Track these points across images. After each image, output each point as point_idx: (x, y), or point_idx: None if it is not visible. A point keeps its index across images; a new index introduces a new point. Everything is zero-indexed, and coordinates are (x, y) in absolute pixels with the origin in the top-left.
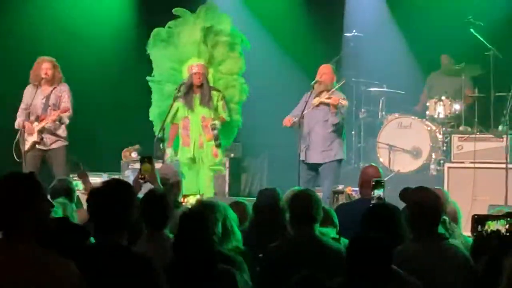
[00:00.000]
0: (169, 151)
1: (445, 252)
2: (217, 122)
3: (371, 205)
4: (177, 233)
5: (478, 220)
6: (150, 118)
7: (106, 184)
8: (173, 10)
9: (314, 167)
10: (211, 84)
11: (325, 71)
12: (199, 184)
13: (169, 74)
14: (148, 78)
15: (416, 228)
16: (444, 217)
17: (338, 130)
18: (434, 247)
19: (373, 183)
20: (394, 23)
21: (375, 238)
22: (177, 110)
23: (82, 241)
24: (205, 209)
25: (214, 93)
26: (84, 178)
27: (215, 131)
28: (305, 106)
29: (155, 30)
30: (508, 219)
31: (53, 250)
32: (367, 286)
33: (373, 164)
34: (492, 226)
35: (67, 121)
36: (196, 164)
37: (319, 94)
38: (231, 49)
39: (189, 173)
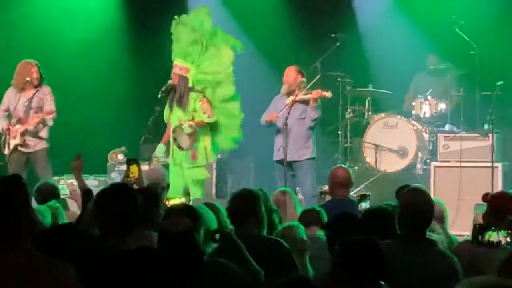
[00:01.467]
0: (159, 146)
1: (429, 257)
2: (184, 125)
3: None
4: (161, 229)
5: (479, 230)
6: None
7: (113, 189)
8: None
9: (290, 165)
10: (191, 85)
11: (286, 73)
12: (188, 187)
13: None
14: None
15: (403, 228)
16: None
17: (315, 127)
18: (419, 250)
19: (359, 197)
20: (380, 23)
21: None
22: (165, 111)
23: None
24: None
25: (192, 94)
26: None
27: (174, 134)
28: (276, 107)
29: None
30: (509, 231)
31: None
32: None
33: (342, 165)
34: (493, 236)
35: (51, 123)
36: (179, 167)
37: (291, 94)
38: (209, 49)
39: (175, 176)
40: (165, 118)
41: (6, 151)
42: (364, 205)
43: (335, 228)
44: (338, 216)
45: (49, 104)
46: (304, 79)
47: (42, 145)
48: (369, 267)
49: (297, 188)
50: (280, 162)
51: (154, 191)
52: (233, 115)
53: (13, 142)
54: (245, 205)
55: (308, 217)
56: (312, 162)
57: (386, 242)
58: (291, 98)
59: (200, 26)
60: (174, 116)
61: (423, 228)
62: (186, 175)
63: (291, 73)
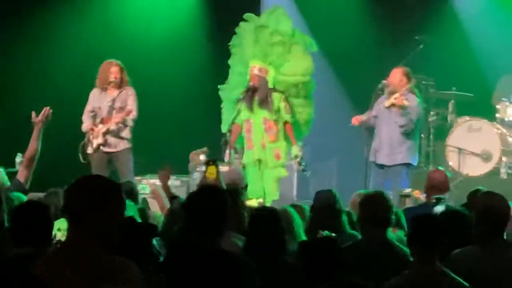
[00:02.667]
0: (228, 153)
1: (508, 260)
2: (298, 154)
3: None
4: (248, 232)
5: None
6: (223, 128)
7: (203, 190)
8: (244, 16)
9: (383, 168)
10: (272, 86)
11: (392, 73)
12: (264, 186)
13: (237, 79)
14: (219, 86)
15: (480, 232)
16: None
17: (407, 132)
18: (496, 253)
19: (434, 200)
20: (463, 24)
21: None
22: (239, 112)
23: (148, 238)
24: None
25: (275, 94)
26: (165, 178)
27: (301, 166)
28: (376, 107)
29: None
30: None
31: (114, 252)
32: None
33: (440, 168)
34: None
35: (131, 123)
36: (260, 166)
37: (391, 95)
38: (291, 50)
39: (254, 176)
40: (238, 119)
41: (90, 151)
42: (440, 209)
43: (414, 230)
44: (417, 217)
45: (131, 105)
46: (403, 81)
47: (124, 145)
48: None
49: (388, 192)
50: (375, 164)
51: (233, 193)
52: (304, 111)
53: (95, 142)
54: (382, 209)
55: None
56: (400, 168)
57: (464, 248)
58: (388, 100)
59: (279, 27)
60: (257, 117)
61: (500, 232)
62: (269, 174)
63: (396, 75)
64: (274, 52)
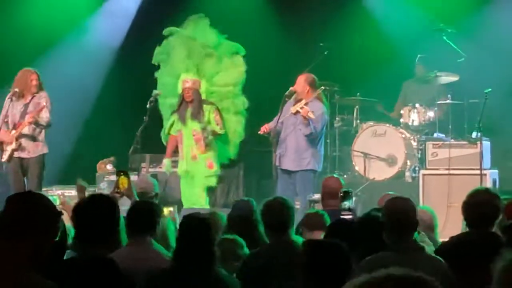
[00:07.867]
0: (165, 162)
1: (419, 262)
2: (208, 128)
3: (341, 216)
4: (179, 236)
5: None
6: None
7: (92, 198)
8: (163, 32)
9: (289, 174)
10: (204, 98)
11: (297, 81)
12: (193, 196)
13: (169, 89)
14: (154, 91)
15: (390, 236)
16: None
17: (312, 140)
18: (408, 256)
19: (341, 194)
20: (367, 32)
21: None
22: (173, 123)
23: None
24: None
25: (206, 106)
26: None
27: (205, 134)
28: (281, 113)
29: (156, 49)
30: None
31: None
32: None
33: (334, 175)
34: None
35: (43, 123)
36: (190, 177)
37: (298, 101)
38: (221, 61)
39: (184, 185)
40: (168, 131)
41: (4, 159)
42: (348, 204)
43: (332, 236)
44: (334, 223)
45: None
46: (307, 89)
47: (40, 150)
48: (334, 270)
49: (296, 197)
50: (280, 169)
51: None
52: (236, 131)
53: (9, 148)
54: (284, 215)
55: (312, 221)
56: (307, 174)
57: (379, 254)
58: (294, 106)
59: (207, 38)
60: (188, 129)
61: (410, 235)
62: (201, 183)
63: (300, 82)
64: (206, 64)
